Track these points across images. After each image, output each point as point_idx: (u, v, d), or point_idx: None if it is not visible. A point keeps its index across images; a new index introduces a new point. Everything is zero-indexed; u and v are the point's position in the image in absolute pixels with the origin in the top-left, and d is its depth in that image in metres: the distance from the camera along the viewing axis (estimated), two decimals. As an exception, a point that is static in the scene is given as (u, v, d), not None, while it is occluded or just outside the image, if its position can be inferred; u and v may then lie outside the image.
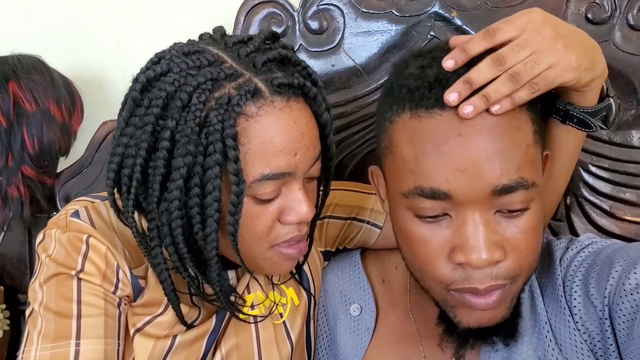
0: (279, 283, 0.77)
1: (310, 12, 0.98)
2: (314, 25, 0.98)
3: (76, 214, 0.68)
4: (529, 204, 0.59)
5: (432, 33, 0.95)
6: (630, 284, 0.60)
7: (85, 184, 1.01)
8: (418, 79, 0.60)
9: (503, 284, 0.60)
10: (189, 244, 0.64)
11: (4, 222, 0.97)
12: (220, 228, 0.62)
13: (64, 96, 1.01)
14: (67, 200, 0.99)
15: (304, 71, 0.66)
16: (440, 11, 0.95)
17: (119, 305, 0.67)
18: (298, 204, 0.64)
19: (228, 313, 0.72)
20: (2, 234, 1.01)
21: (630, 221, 0.92)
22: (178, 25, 1.13)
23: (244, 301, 0.73)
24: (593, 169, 0.93)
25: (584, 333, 0.65)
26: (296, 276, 0.79)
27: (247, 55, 0.63)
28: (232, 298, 0.71)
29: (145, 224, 0.66)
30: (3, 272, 1.03)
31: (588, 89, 0.62)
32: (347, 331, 0.78)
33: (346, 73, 0.98)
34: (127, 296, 0.67)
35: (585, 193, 0.93)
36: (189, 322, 0.69)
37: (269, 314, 0.74)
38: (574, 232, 0.94)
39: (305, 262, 0.79)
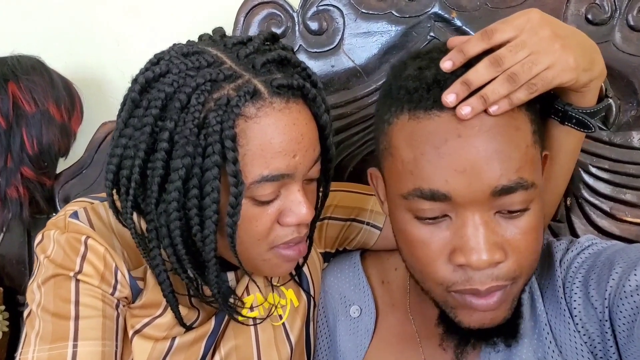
0: (278, 285, 0.77)
1: (309, 13, 0.98)
2: (314, 26, 0.98)
3: (75, 215, 0.68)
4: (528, 204, 0.59)
5: (431, 34, 0.95)
6: (630, 286, 0.59)
7: (85, 185, 1.01)
8: (416, 80, 0.60)
9: (504, 284, 0.60)
10: (188, 246, 0.63)
11: (3, 223, 0.96)
12: (218, 229, 0.62)
13: (64, 97, 1.01)
14: (66, 201, 0.99)
15: (303, 72, 0.66)
16: (440, 12, 0.95)
17: (117, 306, 0.66)
18: (297, 205, 0.64)
19: (227, 315, 0.72)
20: (2, 235, 1.01)
21: (630, 222, 0.92)
22: (178, 26, 1.13)
23: (243, 303, 0.73)
24: (593, 170, 0.92)
25: (584, 335, 0.65)
26: (296, 278, 0.79)
27: (247, 57, 0.63)
28: (231, 300, 0.71)
29: (144, 225, 0.66)
30: (2, 273, 1.03)
31: (586, 89, 0.62)
32: (346, 333, 0.77)
33: (346, 74, 0.98)
34: (126, 298, 0.67)
35: (586, 194, 0.93)
36: (187, 324, 0.69)
37: (267, 316, 0.74)
38: (574, 233, 0.94)
39: (305, 264, 0.79)
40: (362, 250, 0.85)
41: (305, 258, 0.76)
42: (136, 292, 0.68)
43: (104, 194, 0.68)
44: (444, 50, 0.61)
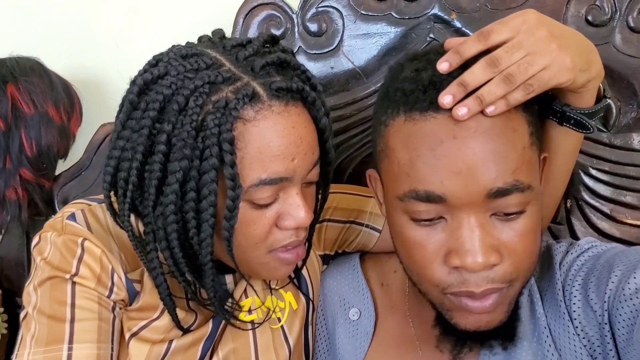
0: (277, 288, 0.77)
1: (309, 14, 0.98)
2: (313, 27, 0.97)
3: (72, 216, 0.68)
4: (525, 206, 0.59)
5: (431, 35, 0.95)
6: (629, 289, 0.59)
7: (84, 187, 1.01)
8: (413, 82, 0.60)
9: (500, 287, 0.60)
10: (185, 249, 0.63)
11: (2, 225, 0.96)
12: (216, 233, 0.62)
13: (63, 98, 1.01)
14: (65, 202, 0.99)
15: (303, 75, 0.65)
16: (439, 13, 0.94)
17: (113, 309, 0.66)
18: (296, 209, 0.63)
19: (224, 319, 0.72)
20: (0, 237, 1.00)
21: (630, 224, 0.91)
22: (177, 27, 1.13)
23: (240, 307, 0.72)
24: (593, 172, 0.92)
25: (583, 338, 0.64)
26: (294, 281, 0.78)
27: (246, 59, 0.63)
28: (228, 304, 0.71)
29: (141, 228, 0.66)
30: (1, 275, 1.03)
31: (584, 90, 0.62)
32: (346, 335, 0.77)
33: (345, 75, 0.98)
34: (122, 300, 0.67)
35: (586, 196, 0.93)
36: (185, 327, 0.69)
37: (264, 320, 0.74)
38: (574, 236, 0.93)
39: (304, 267, 0.79)
40: (361, 253, 0.85)
41: (304, 261, 0.76)
42: (133, 295, 0.68)
43: (102, 196, 0.68)
44: (441, 51, 0.61)
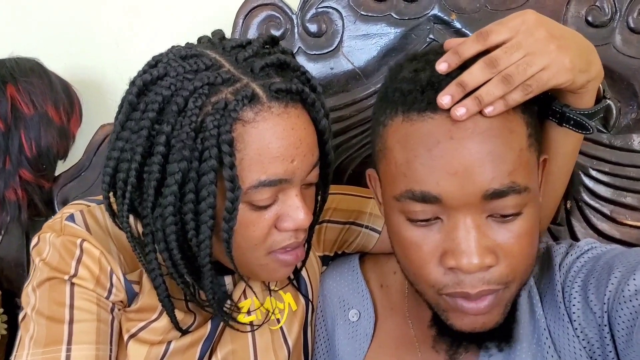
0: (276, 289, 0.77)
1: (309, 15, 0.98)
2: (313, 28, 0.97)
3: (71, 217, 0.68)
4: (521, 208, 0.59)
5: (431, 36, 0.94)
6: (629, 290, 0.59)
7: (84, 188, 1.01)
8: (411, 82, 0.60)
9: (495, 289, 0.60)
10: (183, 250, 0.63)
11: (1, 226, 0.97)
12: (215, 234, 0.62)
13: (62, 99, 1.01)
14: (65, 203, 0.99)
15: (302, 76, 0.65)
16: (439, 14, 0.94)
17: (112, 310, 0.66)
18: (295, 210, 0.63)
19: (222, 321, 0.71)
20: (0, 237, 1.00)
21: (631, 226, 0.91)
22: (177, 27, 1.13)
23: (238, 309, 0.72)
24: (593, 173, 0.92)
25: (583, 340, 0.64)
26: (294, 282, 0.78)
27: (245, 60, 0.63)
28: (227, 305, 0.71)
29: (140, 229, 0.66)
30: (1, 276, 1.03)
31: (584, 90, 0.62)
32: (345, 337, 0.77)
33: (345, 76, 0.97)
34: (121, 301, 0.67)
35: (586, 197, 0.93)
36: (184, 328, 0.69)
37: (264, 322, 0.73)
38: (574, 237, 0.93)
39: (303, 268, 0.78)
40: (361, 254, 0.85)
41: (304, 262, 0.76)
42: (132, 296, 0.67)
43: (101, 197, 0.68)
44: (440, 52, 0.61)
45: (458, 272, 0.59)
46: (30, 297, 0.66)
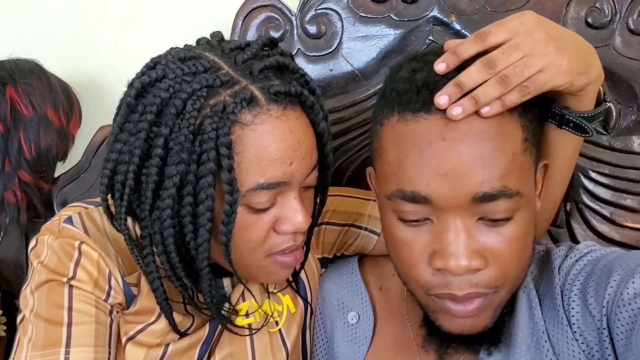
0: (275, 291, 0.77)
1: (308, 17, 0.97)
2: (312, 29, 0.97)
3: (69, 220, 0.68)
4: (512, 213, 0.58)
5: (430, 37, 0.94)
6: (628, 294, 0.59)
7: (83, 189, 1.01)
8: (407, 82, 0.60)
9: (484, 292, 0.60)
10: (181, 253, 0.63)
11: (0, 228, 0.96)
12: (213, 237, 0.62)
13: (62, 101, 1.00)
14: (64, 205, 0.98)
15: (301, 79, 0.65)
16: (439, 15, 0.94)
17: (110, 313, 0.66)
18: (294, 213, 0.63)
19: (220, 324, 0.71)
20: (-1, 239, 1.00)
21: (631, 228, 0.91)
22: (176, 29, 1.13)
23: (237, 312, 0.72)
24: (593, 175, 0.92)
25: (582, 343, 0.64)
26: (293, 284, 0.78)
27: (244, 62, 0.63)
28: (225, 308, 0.70)
29: (138, 231, 0.66)
30: (0, 277, 1.03)
31: (583, 93, 0.62)
32: (344, 339, 0.77)
33: (344, 78, 0.97)
34: (119, 304, 0.67)
35: (586, 199, 0.92)
36: (182, 331, 0.69)
37: (263, 326, 0.73)
38: (574, 239, 0.93)
39: (302, 270, 0.78)
40: (360, 256, 0.85)
41: (303, 264, 0.76)
42: (130, 299, 0.67)
43: (99, 199, 0.68)
44: (440, 53, 0.61)
45: (446, 273, 0.59)
46: (29, 299, 0.65)
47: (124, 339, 0.67)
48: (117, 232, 0.66)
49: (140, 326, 0.67)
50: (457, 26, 0.94)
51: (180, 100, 0.59)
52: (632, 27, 0.90)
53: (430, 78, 0.59)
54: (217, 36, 0.69)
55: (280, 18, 0.98)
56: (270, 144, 0.60)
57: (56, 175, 1.02)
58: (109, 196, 0.64)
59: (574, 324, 0.64)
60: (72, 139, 1.03)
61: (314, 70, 0.97)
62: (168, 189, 0.59)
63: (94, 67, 1.15)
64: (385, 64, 0.96)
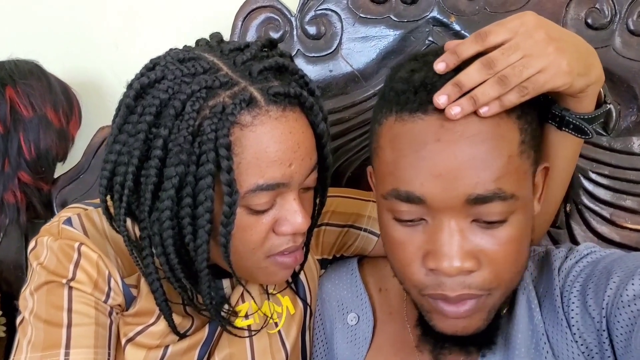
0: (274, 292, 0.77)
1: (307, 17, 0.97)
2: (312, 30, 0.97)
3: (68, 221, 0.68)
4: (507, 216, 0.58)
5: (430, 38, 0.94)
6: (628, 295, 0.59)
7: (83, 190, 1.00)
8: (405, 82, 0.60)
9: (476, 294, 0.60)
10: (180, 255, 0.63)
11: (0, 228, 0.96)
12: (212, 238, 0.62)
13: (62, 101, 1.01)
14: (64, 206, 0.99)
15: (300, 80, 0.65)
16: (438, 16, 0.94)
17: (110, 314, 0.66)
18: (293, 214, 0.63)
19: (220, 326, 0.71)
20: (-1, 239, 1.00)
21: (630, 229, 0.91)
22: (176, 29, 1.13)
23: (236, 314, 0.72)
24: (593, 176, 0.92)
25: (581, 345, 0.64)
26: (292, 285, 0.78)
27: (243, 63, 0.63)
28: (224, 310, 0.70)
29: (138, 232, 0.66)
30: (0, 278, 1.03)
31: (584, 94, 0.62)
32: (344, 341, 0.77)
33: (344, 79, 0.97)
34: (119, 305, 0.67)
35: (586, 200, 0.92)
36: (181, 332, 0.69)
37: (262, 327, 0.73)
38: (574, 240, 0.93)
39: (302, 271, 0.78)
40: (360, 257, 0.84)
41: (302, 265, 0.76)
42: (129, 300, 0.67)
43: (98, 200, 0.68)
44: (440, 53, 0.61)
45: (439, 274, 0.59)
46: (28, 301, 0.65)
47: (123, 341, 0.67)
48: (117, 233, 0.67)
49: (139, 327, 0.67)
50: (457, 27, 0.94)
51: (179, 102, 0.59)
52: (631, 28, 0.89)
53: (428, 78, 0.59)
54: (217, 37, 0.69)
55: (279, 19, 0.98)
56: (270, 145, 0.60)
57: (56, 176, 1.02)
58: (108, 197, 0.64)
59: (573, 325, 0.64)
60: (72, 139, 1.04)
61: (313, 71, 0.97)
62: (167, 190, 0.59)
63: (94, 67, 1.15)
64: (385, 65, 0.96)
